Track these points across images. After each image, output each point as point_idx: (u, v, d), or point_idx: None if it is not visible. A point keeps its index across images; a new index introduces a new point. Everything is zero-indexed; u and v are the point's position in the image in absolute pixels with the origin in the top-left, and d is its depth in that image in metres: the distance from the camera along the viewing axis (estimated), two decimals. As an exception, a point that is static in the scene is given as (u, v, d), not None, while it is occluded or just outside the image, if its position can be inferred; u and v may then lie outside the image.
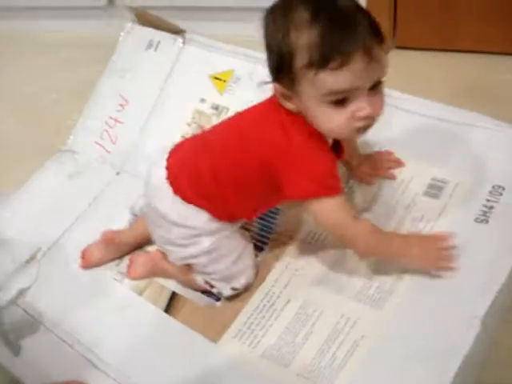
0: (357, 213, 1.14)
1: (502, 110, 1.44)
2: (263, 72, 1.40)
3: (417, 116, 1.25)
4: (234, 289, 1.10)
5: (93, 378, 1.09)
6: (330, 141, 0.96)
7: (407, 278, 1.05)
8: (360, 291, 1.07)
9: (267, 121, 0.94)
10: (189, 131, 1.43)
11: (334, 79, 0.80)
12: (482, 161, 1.14)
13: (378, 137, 1.22)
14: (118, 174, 1.45)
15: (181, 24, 1.59)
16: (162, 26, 1.59)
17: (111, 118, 1.54)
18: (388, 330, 1.00)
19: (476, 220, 1.05)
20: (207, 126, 1.38)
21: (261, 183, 0.97)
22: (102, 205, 1.41)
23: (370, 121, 0.87)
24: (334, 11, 0.80)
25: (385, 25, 1.72)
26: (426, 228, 1.09)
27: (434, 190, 1.14)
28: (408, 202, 1.15)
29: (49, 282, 1.28)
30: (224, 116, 1.41)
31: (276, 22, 0.84)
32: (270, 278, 1.15)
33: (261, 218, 1.23)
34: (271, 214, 1.23)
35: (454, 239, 0.99)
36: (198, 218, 1.02)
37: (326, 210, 0.93)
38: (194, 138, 1.15)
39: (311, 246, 1.17)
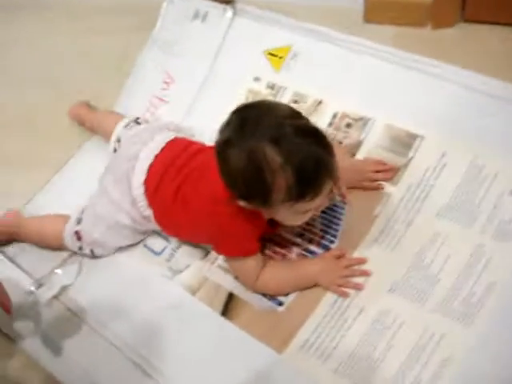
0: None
1: None
2: (324, 48, 1.30)
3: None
4: (92, 252, 1.17)
5: (142, 385, 0.99)
6: None
7: (498, 289, 0.94)
8: (443, 303, 0.96)
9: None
10: (242, 113, 1.31)
11: (309, 204, 0.90)
12: None
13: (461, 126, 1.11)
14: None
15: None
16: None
17: (156, 96, 1.42)
18: (479, 350, 0.89)
19: None
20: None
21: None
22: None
23: None
24: (302, 152, 0.85)
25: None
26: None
27: (524, 189, 1.02)
28: (494, 201, 1.03)
29: (93, 277, 1.18)
30: (282, 96, 1.29)
31: (245, 157, 0.86)
32: (338, 281, 1.03)
33: (324, 212, 1.12)
34: (337, 208, 1.12)
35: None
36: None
37: (235, 267, 1.07)
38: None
39: (384, 246, 1.05)
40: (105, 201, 1.14)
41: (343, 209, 1.12)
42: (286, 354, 0.98)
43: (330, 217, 1.11)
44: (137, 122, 1.29)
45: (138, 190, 1.11)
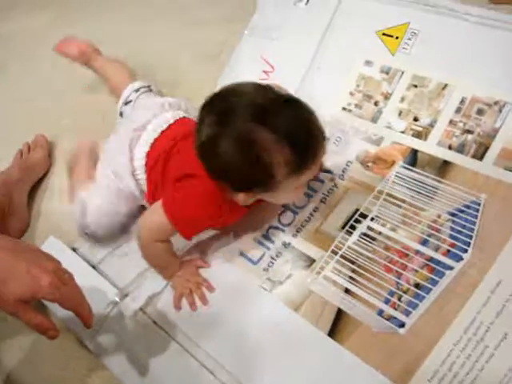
0: None
1: None
2: (449, 24, 1.11)
3: None
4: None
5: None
6: None
7: None
8: None
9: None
10: (352, 102, 1.14)
11: (311, 172, 0.86)
12: None
13: None
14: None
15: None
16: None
17: (254, 87, 1.27)
18: None
19: None
20: (376, 95, 1.10)
21: None
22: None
23: None
24: (288, 120, 0.81)
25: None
26: None
27: None
28: None
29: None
30: (398, 81, 1.10)
31: (236, 146, 0.81)
32: (476, 300, 0.84)
33: (454, 214, 0.93)
34: (470, 210, 0.92)
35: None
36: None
37: (155, 228, 0.97)
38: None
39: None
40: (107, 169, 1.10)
41: (477, 210, 0.92)
42: (409, 387, 0.80)
43: (461, 220, 0.92)
44: (149, 88, 1.26)
45: (140, 161, 1.05)
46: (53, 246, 1.13)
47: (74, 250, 1.14)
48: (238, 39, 1.38)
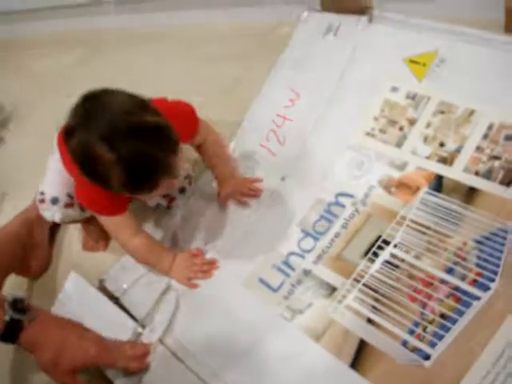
0: None
1: None
2: (477, 51, 1.09)
3: None
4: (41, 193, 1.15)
5: None
6: None
7: None
8: None
9: None
10: (376, 127, 1.12)
11: (147, 196, 0.96)
12: None
13: None
14: (283, 179, 1.17)
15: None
16: (346, 6, 1.29)
17: (279, 115, 1.27)
18: None
19: None
20: (401, 120, 1.08)
21: None
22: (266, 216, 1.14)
23: None
24: (131, 151, 0.82)
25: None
26: None
27: None
28: None
29: (198, 314, 1.03)
30: (424, 107, 1.08)
31: (78, 150, 0.85)
32: (504, 332, 0.80)
33: (480, 242, 0.89)
34: (497, 238, 0.89)
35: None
36: None
37: (108, 226, 1.05)
38: None
39: None
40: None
41: (505, 238, 0.88)
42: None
43: (487, 248, 0.88)
44: None
45: None
46: (75, 282, 1.11)
47: (100, 281, 1.12)
48: (257, 74, 1.38)
